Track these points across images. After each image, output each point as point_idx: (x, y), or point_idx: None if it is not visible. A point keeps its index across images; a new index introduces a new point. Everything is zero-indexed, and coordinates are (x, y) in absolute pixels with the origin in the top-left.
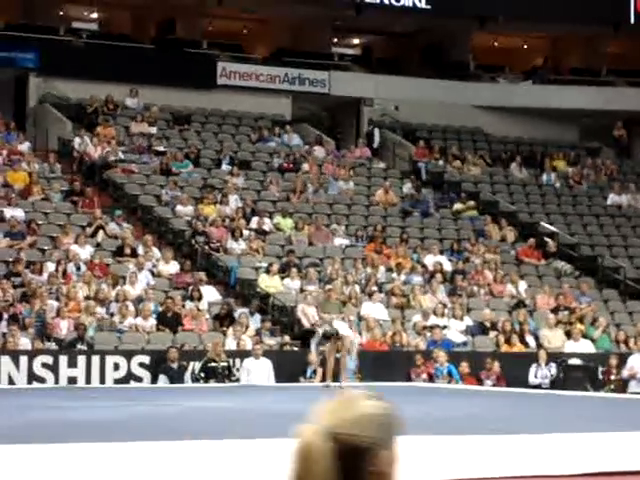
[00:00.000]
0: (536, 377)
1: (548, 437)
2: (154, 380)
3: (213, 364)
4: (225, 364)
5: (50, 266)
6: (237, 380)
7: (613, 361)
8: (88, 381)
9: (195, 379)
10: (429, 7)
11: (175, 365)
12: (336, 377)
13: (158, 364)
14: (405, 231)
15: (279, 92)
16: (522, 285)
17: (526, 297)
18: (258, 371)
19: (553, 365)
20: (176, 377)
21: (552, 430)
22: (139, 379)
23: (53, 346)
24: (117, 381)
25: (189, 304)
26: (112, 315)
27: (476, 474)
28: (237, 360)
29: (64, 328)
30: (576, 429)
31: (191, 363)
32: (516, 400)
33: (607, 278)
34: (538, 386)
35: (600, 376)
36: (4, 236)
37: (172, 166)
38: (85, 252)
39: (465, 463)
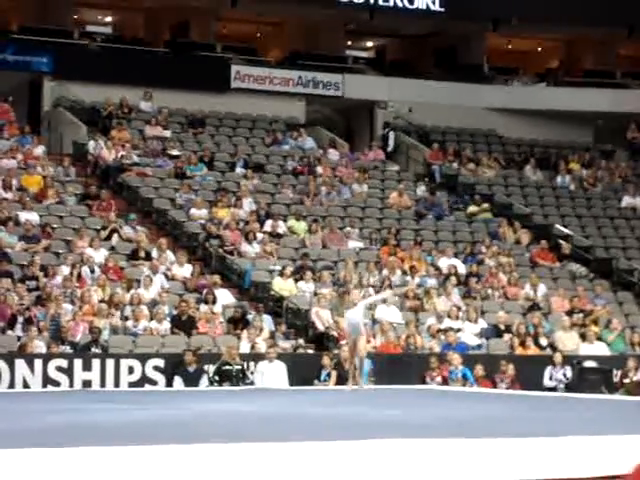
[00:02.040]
0: (551, 379)
1: (564, 440)
2: (169, 383)
3: (227, 367)
4: (239, 367)
5: (65, 270)
6: (251, 383)
7: (631, 363)
8: (103, 384)
9: (210, 382)
10: (442, 10)
11: (192, 368)
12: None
13: (174, 367)
14: (419, 234)
15: (293, 95)
16: (537, 288)
17: (540, 300)
18: (272, 374)
19: (568, 368)
20: (192, 380)
21: (568, 433)
22: (154, 382)
23: (68, 350)
24: (132, 384)
25: (203, 307)
26: (126, 319)
27: (493, 477)
28: (251, 363)
29: (79, 332)
30: (592, 432)
31: (205, 366)
32: (531, 403)
33: (622, 280)
34: (552, 389)
35: (616, 378)
36: (19, 240)
37: (186, 169)
38: (99, 255)
39: (481, 466)
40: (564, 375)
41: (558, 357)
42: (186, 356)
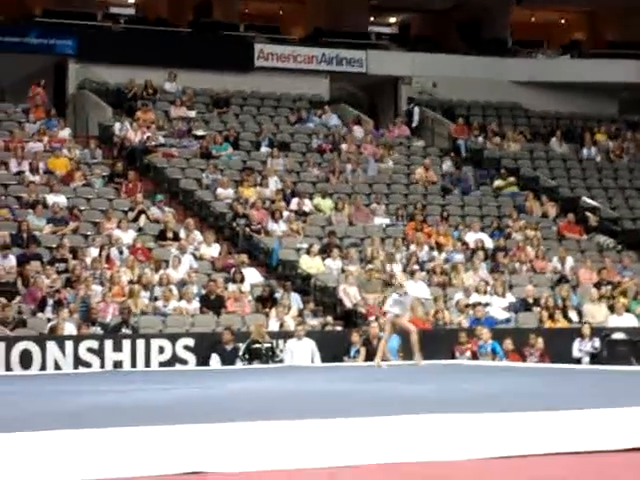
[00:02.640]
0: (580, 351)
1: (592, 412)
2: (203, 362)
3: (257, 345)
4: (269, 345)
5: (93, 251)
6: (281, 361)
7: None
8: (133, 365)
9: (240, 360)
10: None
11: (229, 347)
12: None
13: (211, 346)
14: (445, 209)
15: (317, 73)
16: (567, 259)
17: (568, 272)
18: (301, 352)
19: (597, 339)
20: (229, 359)
21: (597, 405)
22: (184, 362)
23: (98, 331)
24: (162, 364)
25: (231, 286)
26: (156, 299)
27: (524, 451)
28: (280, 341)
29: (109, 313)
30: (621, 404)
31: (238, 345)
32: (561, 376)
33: None
34: (580, 360)
35: None
36: (47, 222)
37: (212, 149)
38: (128, 237)
39: (513, 440)
40: (593, 347)
41: (586, 329)
42: (225, 335)
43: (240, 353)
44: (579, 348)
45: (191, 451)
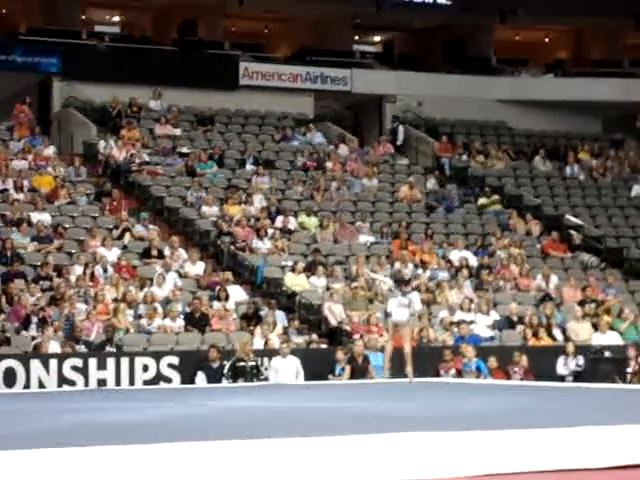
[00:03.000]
0: (564, 368)
1: (578, 430)
2: (188, 380)
3: (242, 363)
4: (253, 363)
5: (78, 269)
6: (265, 379)
7: (632, 352)
8: (118, 383)
9: (225, 378)
10: (450, 2)
11: (215, 365)
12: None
13: (197, 363)
14: (430, 227)
15: (301, 91)
16: (549, 279)
17: (552, 290)
18: (286, 370)
19: (581, 357)
20: (215, 377)
21: (582, 423)
22: (168, 380)
23: (82, 349)
24: (146, 382)
25: (216, 304)
26: (140, 317)
27: (509, 469)
28: (265, 359)
29: (93, 331)
30: (605, 422)
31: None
32: (545, 394)
33: (633, 269)
34: (564, 378)
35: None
36: (31, 240)
37: (197, 167)
38: (112, 255)
39: (495, 458)
40: (577, 364)
41: (570, 347)
42: (210, 352)
43: (225, 371)
44: (563, 365)
45: (173, 470)
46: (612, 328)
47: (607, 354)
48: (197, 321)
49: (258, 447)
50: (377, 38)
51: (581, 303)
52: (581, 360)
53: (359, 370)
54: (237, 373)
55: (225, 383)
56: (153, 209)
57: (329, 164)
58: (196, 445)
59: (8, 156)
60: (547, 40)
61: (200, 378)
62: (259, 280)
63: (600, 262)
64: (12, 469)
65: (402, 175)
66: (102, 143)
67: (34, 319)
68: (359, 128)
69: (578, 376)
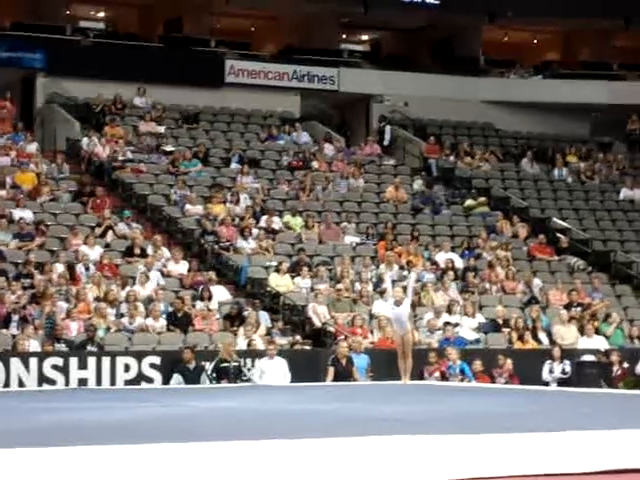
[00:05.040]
0: (551, 373)
1: (561, 435)
2: (166, 381)
3: (225, 364)
4: (236, 364)
5: (59, 267)
6: (248, 380)
7: (615, 357)
8: (99, 383)
9: (208, 380)
10: (438, 2)
11: (191, 366)
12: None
13: (173, 365)
14: (416, 228)
15: (288, 89)
16: (535, 281)
17: (537, 293)
18: (273, 371)
19: (567, 362)
20: (193, 378)
21: (566, 428)
22: (150, 380)
23: (63, 348)
24: (128, 382)
25: (199, 304)
26: (122, 316)
27: (491, 473)
28: (248, 360)
29: (74, 330)
30: (589, 426)
31: (204, 363)
32: (529, 397)
33: (620, 273)
34: (548, 383)
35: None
36: (13, 237)
37: (181, 165)
38: (94, 253)
39: (478, 462)
40: (563, 370)
41: (557, 351)
42: (185, 354)
43: (208, 372)
44: (549, 372)
45: (154, 470)
46: (598, 332)
47: (591, 358)
48: (180, 321)
49: (243, 448)
50: (364, 37)
51: (567, 306)
52: (567, 367)
53: (343, 372)
54: (220, 374)
55: (207, 384)
56: (136, 207)
57: (315, 164)
58: (178, 446)
59: None
60: (536, 41)
61: (176, 381)
62: (243, 280)
63: (587, 265)
64: None
65: (388, 176)
66: (85, 140)
67: (15, 317)
68: (346, 128)
69: (562, 383)
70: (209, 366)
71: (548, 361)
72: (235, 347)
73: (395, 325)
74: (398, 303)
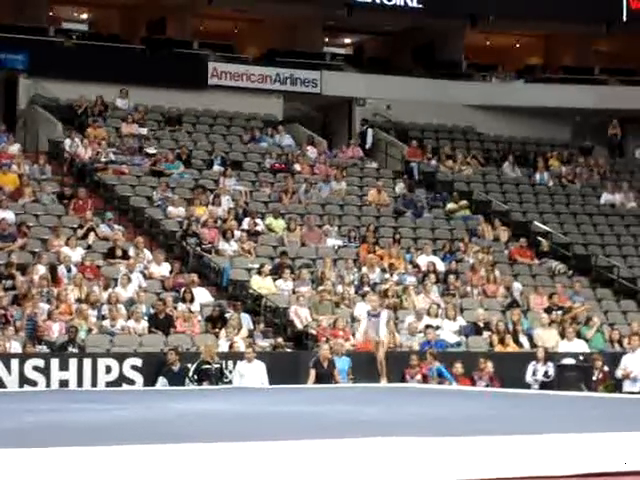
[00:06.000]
0: (534, 375)
1: (542, 437)
2: (151, 383)
3: (207, 366)
4: (218, 366)
5: (41, 269)
6: (229, 382)
7: (599, 362)
8: (80, 384)
9: (190, 381)
10: (421, 6)
11: (176, 368)
12: None
13: (157, 367)
14: (398, 231)
15: (270, 92)
16: (515, 285)
17: (518, 297)
18: (252, 375)
19: (550, 365)
20: (177, 380)
21: (546, 430)
22: (131, 382)
23: (44, 349)
24: (109, 384)
25: (181, 306)
26: (103, 318)
27: (472, 475)
28: (229, 362)
29: (55, 331)
30: (570, 429)
31: (186, 365)
32: (510, 400)
33: (601, 277)
34: (529, 385)
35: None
36: None
37: (163, 167)
38: (76, 254)
39: (457, 464)
40: (546, 373)
41: (541, 352)
42: (169, 355)
43: (190, 374)
44: (532, 375)
45: (135, 472)
46: (579, 336)
47: (572, 361)
48: (161, 323)
49: (224, 450)
50: (347, 41)
51: (548, 310)
52: (551, 369)
53: (324, 374)
54: (202, 376)
55: (189, 386)
56: (118, 209)
57: (297, 166)
58: (157, 448)
59: None
60: (518, 45)
61: (161, 384)
62: (225, 282)
63: (568, 269)
64: None
65: (371, 179)
66: (68, 141)
67: None
68: (328, 131)
69: (544, 385)
70: (191, 368)
71: (532, 362)
72: (217, 349)
73: (372, 333)
74: (371, 310)
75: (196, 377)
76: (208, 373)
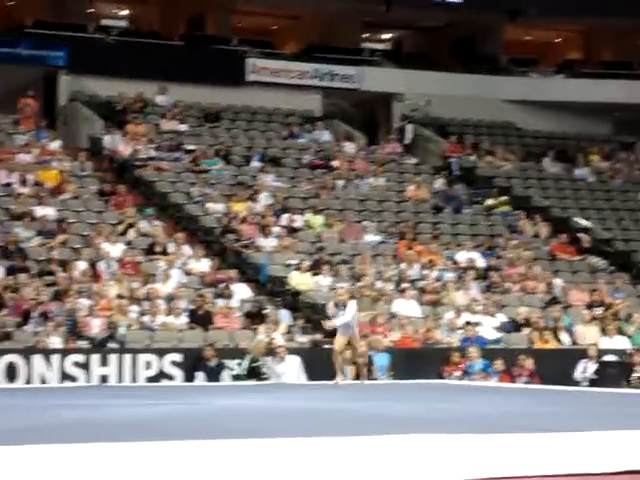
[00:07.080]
0: (584, 373)
1: (578, 435)
2: (189, 378)
3: (257, 363)
4: (262, 363)
5: (81, 265)
6: (266, 378)
7: (637, 358)
8: (120, 380)
9: (239, 378)
10: (460, 1)
11: (212, 363)
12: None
13: (195, 363)
14: (437, 227)
15: (309, 88)
16: (556, 281)
17: (559, 293)
18: (286, 371)
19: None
20: (214, 375)
21: (584, 428)
22: (171, 377)
23: (85, 345)
24: (149, 379)
25: (220, 302)
26: (143, 313)
27: (511, 473)
28: (269, 358)
29: (95, 327)
30: (611, 427)
31: (225, 361)
32: (550, 398)
33: None
34: (579, 383)
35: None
36: (36, 235)
37: (202, 163)
38: (116, 250)
39: (498, 461)
40: (597, 370)
41: (592, 350)
42: (206, 351)
43: (240, 371)
44: (581, 372)
45: (172, 468)
46: (620, 332)
47: (613, 358)
48: (201, 318)
49: (260, 447)
50: (386, 36)
51: (589, 306)
52: (595, 366)
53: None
54: (252, 373)
55: (228, 382)
56: (158, 205)
57: (336, 162)
58: (197, 443)
59: (13, 149)
60: (557, 40)
61: (199, 379)
62: (264, 278)
63: (608, 265)
64: (9, 465)
65: (410, 174)
66: (108, 138)
67: (36, 314)
68: (367, 126)
69: (593, 383)
70: (242, 364)
71: (583, 360)
72: (266, 346)
73: (342, 328)
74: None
75: (247, 374)
76: (258, 370)
